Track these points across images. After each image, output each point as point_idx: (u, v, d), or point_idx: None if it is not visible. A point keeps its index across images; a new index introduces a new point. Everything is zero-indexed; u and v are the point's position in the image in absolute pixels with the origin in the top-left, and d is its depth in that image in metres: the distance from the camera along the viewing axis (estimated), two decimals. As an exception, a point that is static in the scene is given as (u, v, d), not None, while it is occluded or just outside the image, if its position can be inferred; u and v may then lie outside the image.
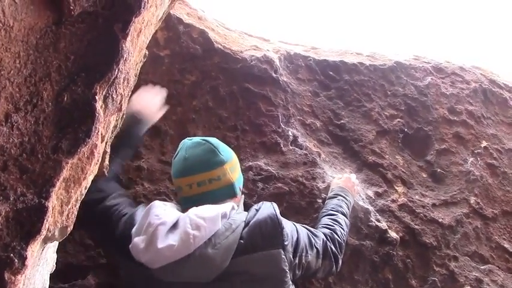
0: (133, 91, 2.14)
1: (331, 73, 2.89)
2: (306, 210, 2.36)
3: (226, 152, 1.81)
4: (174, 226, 1.52)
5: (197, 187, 1.71)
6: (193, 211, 1.57)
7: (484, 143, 3.07)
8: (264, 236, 1.54)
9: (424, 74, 3.18)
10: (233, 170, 1.81)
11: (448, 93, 3.15)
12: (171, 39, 2.44)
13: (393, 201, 2.63)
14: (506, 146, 3.16)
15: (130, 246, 1.51)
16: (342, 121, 2.77)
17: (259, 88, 2.57)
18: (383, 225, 2.47)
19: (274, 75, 2.62)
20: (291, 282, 1.61)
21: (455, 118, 3.09)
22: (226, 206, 1.62)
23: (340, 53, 3.12)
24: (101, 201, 1.72)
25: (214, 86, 2.48)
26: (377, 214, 2.50)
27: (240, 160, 2.34)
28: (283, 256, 1.55)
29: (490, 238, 2.80)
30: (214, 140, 1.80)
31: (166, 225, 1.50)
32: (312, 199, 2.40)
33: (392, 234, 2.47)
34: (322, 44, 3.19)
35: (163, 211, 1.58)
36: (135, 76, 1.90)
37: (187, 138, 1.83)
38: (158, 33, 2.38)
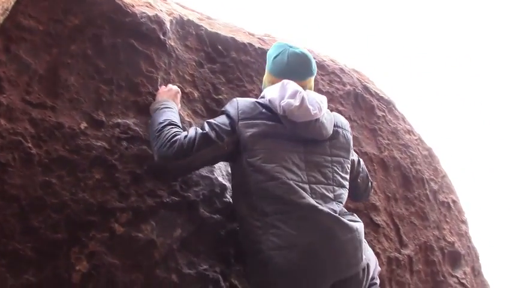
0: (9, 25, 2.01)
1: (219, 47, 2.92)
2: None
3: None
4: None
5: None
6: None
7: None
8: (344, 121, 2.47)
9: (307, 68, 3.33)
10: None
11: (324, 90, 3.35)
12: (60, -25, 2.31)
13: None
14: (363, 149, 3.46)
15: (283, 104, 2.12)
16: (220, 96, 2.83)
17: (143, 47, 2.52)
18: (236, 202, 2.58)
19: (162, 37, 2.59)
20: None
21: (324, 115, 3.29)
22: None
23: (233, 29, 3.16)
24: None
25: (97, 34, 2.39)
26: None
27: (109, 115, 2.33)
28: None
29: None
30: None
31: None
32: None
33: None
34: (219, 16, 3.20)
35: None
36: (6, 10, 1.79)
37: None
38: (46, -35, 2.24)
